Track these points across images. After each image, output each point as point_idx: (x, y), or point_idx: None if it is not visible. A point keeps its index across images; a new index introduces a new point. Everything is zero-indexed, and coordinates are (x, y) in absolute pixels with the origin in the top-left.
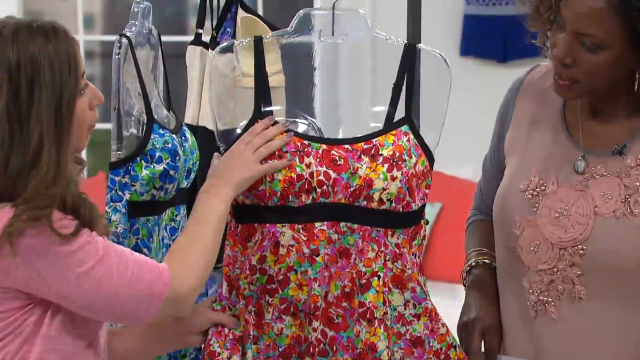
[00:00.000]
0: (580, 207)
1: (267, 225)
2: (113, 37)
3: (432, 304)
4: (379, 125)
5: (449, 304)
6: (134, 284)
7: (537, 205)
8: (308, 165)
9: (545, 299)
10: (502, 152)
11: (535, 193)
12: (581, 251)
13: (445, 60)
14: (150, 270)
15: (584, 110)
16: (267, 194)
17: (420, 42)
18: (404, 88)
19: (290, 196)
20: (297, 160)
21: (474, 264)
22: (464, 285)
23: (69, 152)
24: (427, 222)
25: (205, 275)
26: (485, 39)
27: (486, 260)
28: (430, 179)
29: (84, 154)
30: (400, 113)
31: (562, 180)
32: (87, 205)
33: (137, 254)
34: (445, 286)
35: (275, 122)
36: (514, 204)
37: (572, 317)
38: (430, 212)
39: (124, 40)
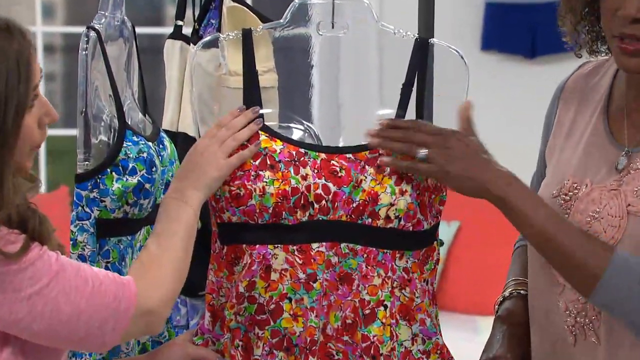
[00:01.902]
0: (612, 208)
1: (257, 246)
2: (76, 29)
3: (443, 340)
4: None
5: (467, 338)
6: (96, 300)
7: (569, 210)
8: (304, 177)
9: (583, 320)
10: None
11: (568, 198)
12: None
13: (462, 57)
14: (113, 283)
15: (630, 102)
16: (257, 210)
17: (433, 36)
18: (414, 89)
19: (283, 212)
20: (292, 172)
21: (508, 294)
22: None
23: (11, 174)
24: (442, 244)
25: (177, 288)
26: (511, 31)
27: (522, 291)
28: (445, 193)
29: (42, 164)
30: (410, 117)
31: (598, 180)
32: (37, 218)
33: (96, 267)
34: (463, 318)
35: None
36: None
37: (612, 338)
38: (447, 232)
39: (92, 33)
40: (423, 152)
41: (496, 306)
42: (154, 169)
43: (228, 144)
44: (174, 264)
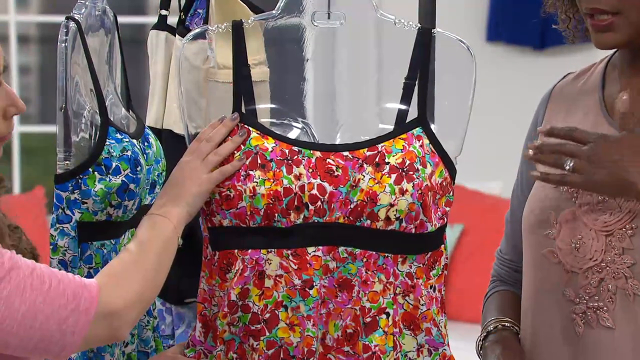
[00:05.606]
0: None
1: (249, 251)
2: (53, 18)
3: (450, 351)
4: (388, 127)
5: (472, 349)
6: (53, 298)
7: (576, 194)
8: (298, 177)
9: (596, 304)
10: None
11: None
12: (630, 231)
13: (468, 49)
14: (73, 282)
15: (624, 85)
16: (248, 212)
17: (435, 26)
18: (417, 83)
19: (276, 215)
20: (285, 171)
21: (492, 329)
22: (479, 355)
23: None
24: (445, 248)
25: (145, 296)
26: (519, 20)
27: (506, 324)
28: (451, 193)
29: (16, 163)
30: (413, 113)
31: None
32: None
33: (54, 269)
34: (467, 328)
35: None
36: (548, 203)
37: (629, 321)
38: (449, 235)
39: (72, 24)
40: (570, 163)
41: (479, 342)
42: (138, 168)
43: (210, 159)
44: (144, 273)
